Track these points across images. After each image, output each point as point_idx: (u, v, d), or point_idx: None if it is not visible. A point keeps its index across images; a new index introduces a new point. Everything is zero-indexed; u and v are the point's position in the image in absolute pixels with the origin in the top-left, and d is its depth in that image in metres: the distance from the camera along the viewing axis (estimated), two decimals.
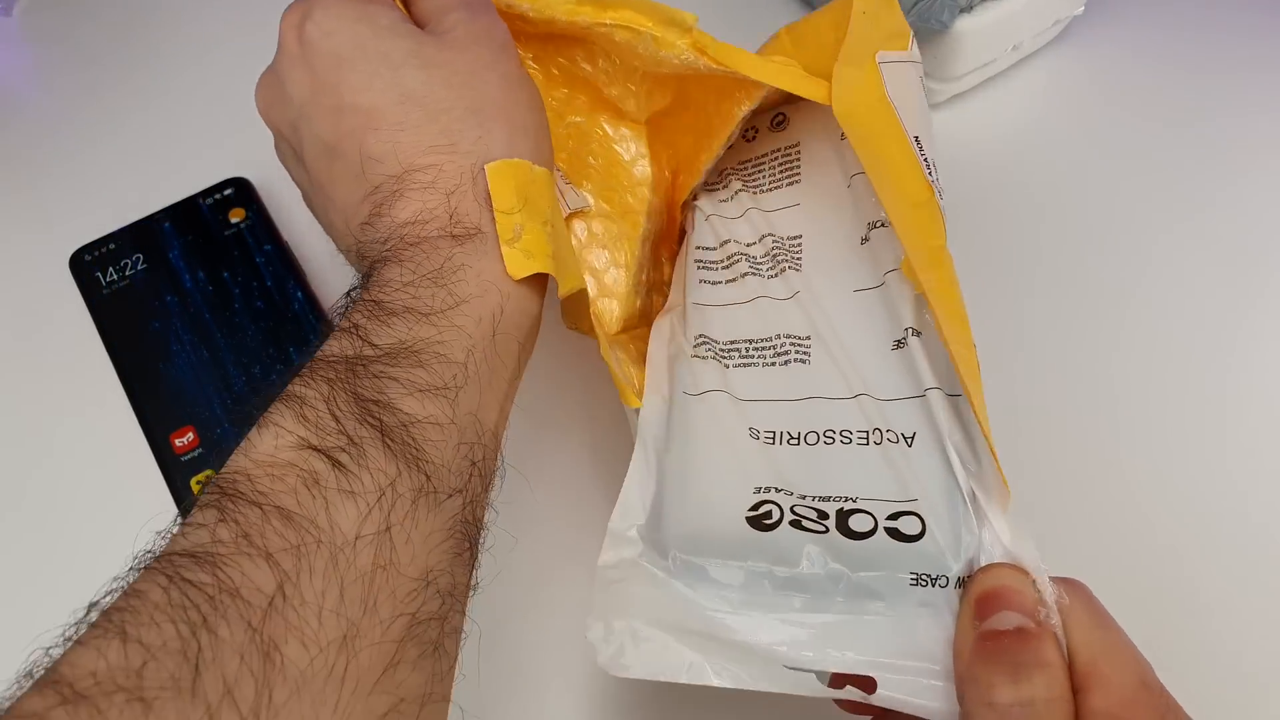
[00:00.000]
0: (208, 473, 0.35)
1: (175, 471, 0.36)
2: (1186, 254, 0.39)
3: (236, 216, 0.41)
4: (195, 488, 0.35)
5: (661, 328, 0.33)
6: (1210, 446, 0.35)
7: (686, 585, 0.27)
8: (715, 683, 0.25)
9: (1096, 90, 0.44)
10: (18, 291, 0.41)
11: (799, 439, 0.28)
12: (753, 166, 0.35)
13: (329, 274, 0.40)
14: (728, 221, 0.34)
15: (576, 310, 0.30)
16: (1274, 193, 0.41)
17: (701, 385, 0.30)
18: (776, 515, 0.27)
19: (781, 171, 0.34)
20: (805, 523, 0.26)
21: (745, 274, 0.32)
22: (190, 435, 0.36)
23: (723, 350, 0.31)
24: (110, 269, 0.40)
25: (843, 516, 0.26)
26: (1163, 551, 0.33)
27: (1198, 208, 0.40)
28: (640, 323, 0.35)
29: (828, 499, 0.27)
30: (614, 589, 0.27)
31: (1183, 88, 0.43)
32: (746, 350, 0.31)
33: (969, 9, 0.39)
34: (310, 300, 0.39)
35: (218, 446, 0.36)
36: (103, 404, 0.38)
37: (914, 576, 0.25)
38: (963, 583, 0.24)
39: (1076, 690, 0.21)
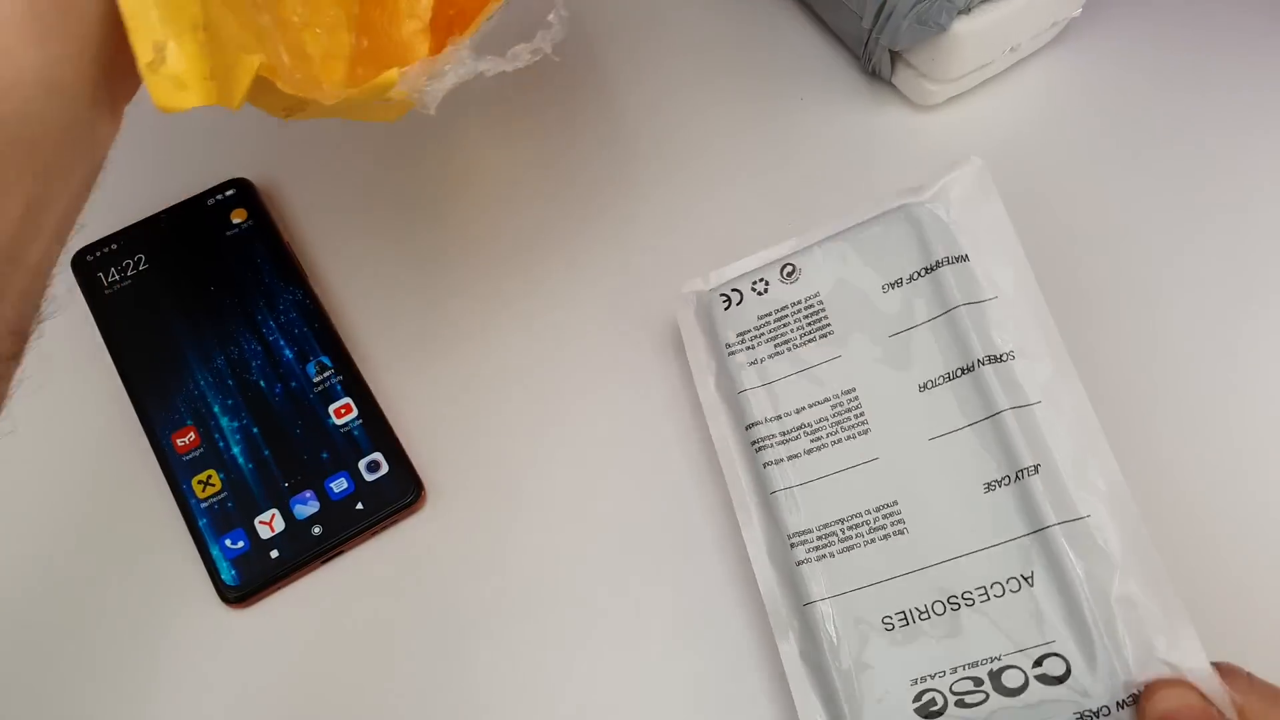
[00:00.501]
0: (209, 472, 0.36)
1: (176, 471, 0.36)
2: (1184, 256, 0.39)
3: (238, 217, 0.41)
4: (197, 488, 0.35)
5: (757, 538, 0.32)
6: (1212, 453, 0.35)
7: None
8: None
9: (1094, 91, 0.44)
10: None
11: (928, 612, 0.29)
12: (775, 322, 0.34)
13: (331, 275, 0.41)
14: (770, 389, 0.33)
15: (267, 96, 0.24)
16: (1275, 191, 0.41)
17: (812, 594, 0.30)
18: (940, 701, 0.28)
19: (810, 324, 0.33)
20: (967, 699, 0.28)
21: (812, 448, 0.32)
22: (191, 435, 0.36)
23: (819, 540, 0.31)
24: (113, 269, 0.40)
25: (995, 676, 0.28)
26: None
27: (1196, 209, 0.40)
28: (363, 71, 0.32)
29: (975, 664, 0.28)
30: None
31: (1180, 89, 0.43)
32: (844, 533, 0.30)
33: (967, 10, 0.39)
34: (312, 300, 0.39)
35: (218, 446, 0.36)
36: (104, 404, 0.38)
37: (1077, 717, 0.27)
38: (1123, 705, 0.26)
39: None
